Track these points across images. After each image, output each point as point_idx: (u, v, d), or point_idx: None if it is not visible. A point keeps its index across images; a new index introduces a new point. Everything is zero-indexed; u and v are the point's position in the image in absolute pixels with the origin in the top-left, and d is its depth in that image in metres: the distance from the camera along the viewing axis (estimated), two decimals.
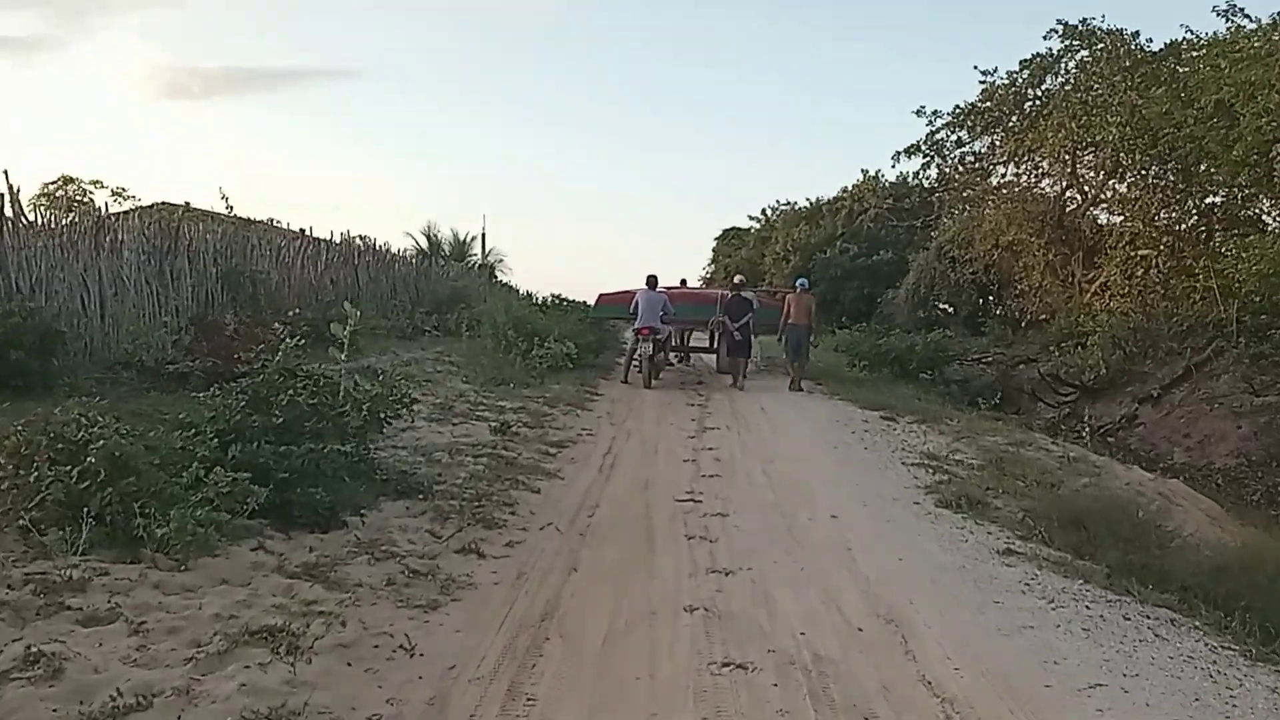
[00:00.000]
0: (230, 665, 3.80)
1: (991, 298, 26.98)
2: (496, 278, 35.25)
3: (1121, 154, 19.44)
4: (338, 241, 19.90)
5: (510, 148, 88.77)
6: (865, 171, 35.35)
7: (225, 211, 15.96)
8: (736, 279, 17.94)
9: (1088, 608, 5.37)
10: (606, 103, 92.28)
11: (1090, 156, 21.88)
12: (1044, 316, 22.79)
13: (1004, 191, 24.42)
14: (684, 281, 22.61)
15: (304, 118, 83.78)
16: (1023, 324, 23.78)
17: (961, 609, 5.22)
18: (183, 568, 4.77)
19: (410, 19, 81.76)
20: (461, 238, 35.18)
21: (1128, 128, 18.45)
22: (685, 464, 9.11)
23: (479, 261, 35.42)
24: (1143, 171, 19.51)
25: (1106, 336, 18.52)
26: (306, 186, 72.56)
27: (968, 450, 10.33)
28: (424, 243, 32.94)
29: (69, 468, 4.96)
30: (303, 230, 18.72)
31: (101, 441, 5.05)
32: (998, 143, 24.67)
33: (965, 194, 26.10)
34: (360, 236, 20.97)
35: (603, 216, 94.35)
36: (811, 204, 38.45)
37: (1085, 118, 20.06)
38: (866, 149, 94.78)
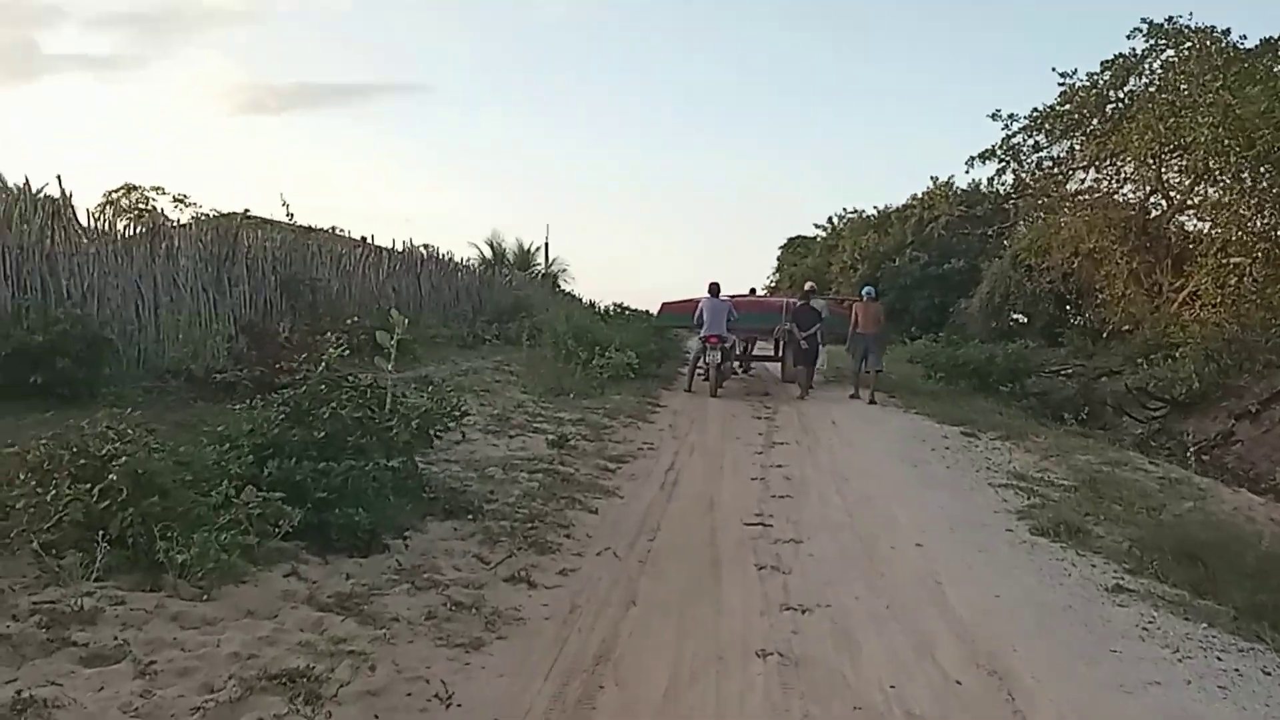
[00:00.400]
0: (242, 717, 3.35)
1: (1069, 307, 25.88)
2: (560, 287, 35.08)
3: (1212, 157, 18.42)
4: (400, 250, 19.73)
5: (576, 157, 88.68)
6: (935, 178, 34.36)
7: (286, 219, 15.85)
8: (808, 286, 17.36)
9: (1219, 658, 4.69)
10: (672, 112, 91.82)
11: (1177, 160, 20.84)
12: (1127, 327, 21.70)
13: (1083, 198, 23.44)
14: (753, 290, 22.08)
15: (375, 131, 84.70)
16: (1103, 335, 22.71)
17: (1074, 659, 4.57)
18: (205, 597, 4.35)
19: (478, 33, 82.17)
20: (526, 247, 35.14)
21: (1220, 128, 17.49)
22: (753, 482, 8.54)
23: (543, 271, 35.29)
24: (1236, 175, 18.45)
25: (1198, 348, 17.43)
26: (377, 198, 73.23)
27: (1058, 470, 9.58)
28: (488, 252, 32.92)
29: (89, 485, 4.59)
30: (364, 238, 18.59)
31: (124, 458, 4.68)
32: (1078, 147, 23.72)
33: (1041, 201, 25.14)
34: (424, 245, 20.83)
35: (667, 226, 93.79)
36: (879, 212, 37.53)
37: (1173, 119, 19.09)
38: (935, 156, 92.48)
